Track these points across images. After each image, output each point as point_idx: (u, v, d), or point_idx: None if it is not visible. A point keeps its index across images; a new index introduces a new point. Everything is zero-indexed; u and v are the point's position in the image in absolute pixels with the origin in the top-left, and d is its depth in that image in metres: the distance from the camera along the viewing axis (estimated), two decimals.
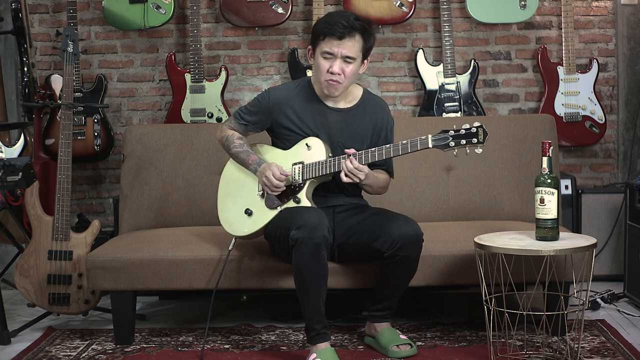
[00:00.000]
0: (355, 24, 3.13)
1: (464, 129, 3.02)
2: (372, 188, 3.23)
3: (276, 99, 3.28)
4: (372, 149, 3.10)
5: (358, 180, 3.09)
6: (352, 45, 3.13)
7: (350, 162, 3.05)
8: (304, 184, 3.18)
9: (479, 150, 3.02)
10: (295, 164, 3.21)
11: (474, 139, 3.00)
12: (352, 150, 3.10)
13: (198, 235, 3.54)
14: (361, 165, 3.06)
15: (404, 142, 3.07)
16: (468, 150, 3.03)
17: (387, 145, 3.10)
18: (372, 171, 3.13)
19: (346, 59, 3.13)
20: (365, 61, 3.22)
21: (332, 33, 3.11)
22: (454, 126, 3.04)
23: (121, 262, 3.37)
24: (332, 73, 3.14)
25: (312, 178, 3.17)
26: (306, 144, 3.22)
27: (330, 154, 3.18)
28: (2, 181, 3.38)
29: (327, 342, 3.08)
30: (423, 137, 3.04)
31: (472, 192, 3.86)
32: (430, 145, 3.03)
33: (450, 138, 3.02)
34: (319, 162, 3.15)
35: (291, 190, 3.19)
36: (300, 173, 3.18)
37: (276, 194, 3.19)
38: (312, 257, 2.99)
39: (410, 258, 3.12)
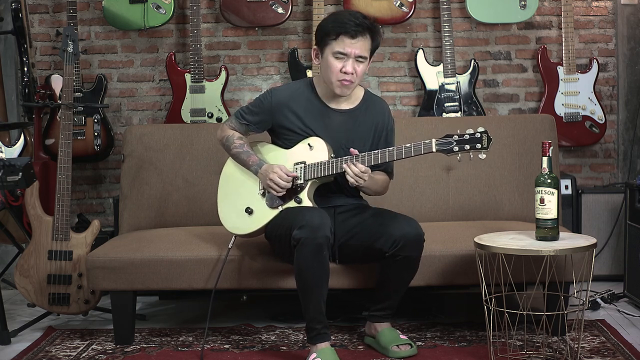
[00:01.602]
0: (365, 23, 3.12)
1: (468, 135, 2.99)
2: (371, 189, 3.23)
3: (279, 100, 3.27)
4: (376, 152, 3.08)
5: (363, 183, 3.08)
6: (363, 45, 3.12)
7: (356, 166, 3.04)
8: (306, 184, 3.17)
9: (482, 156, 2.99)
10: (297, 163, 3.20)
11: (477, 145, 2.98)
12: (355, 151, 3.08)
13: (198, 235, 3.54)
14: (364, 167, 3.05)
15: (407, 145, 3.05)
16: (472, 156, 3.01)
17: (391, 149, 3.08)
18: (370, 173, 3.11)
19: (358, 58, 3.12)
20: (370, 61, 3.22)
21: (346, 31, 3.09)
22: (458, 131, 3.01)
23: (121, 262, 3.37)
24: (345, 73, 3.12)
25: (315, 178, 3.17)
26: (308, 144, 3.20)
27: (332, 155, 3.18)
28: (2, 181, 3.38)
29: (328, 342, 3.08)
30: (427, 142, 3.02)
31: (472, 192, 3.86)
32: (434, 150, 3.01)
33: (454, 143, 2.99)
34: (321, 163, 3.14)
35: (293, 190, 3.18)
36: (302, 173, 3.17)
37: (280, 194, 3.18)
38: (314, 257, 2.99)
39: (412, 258, 3.12)
